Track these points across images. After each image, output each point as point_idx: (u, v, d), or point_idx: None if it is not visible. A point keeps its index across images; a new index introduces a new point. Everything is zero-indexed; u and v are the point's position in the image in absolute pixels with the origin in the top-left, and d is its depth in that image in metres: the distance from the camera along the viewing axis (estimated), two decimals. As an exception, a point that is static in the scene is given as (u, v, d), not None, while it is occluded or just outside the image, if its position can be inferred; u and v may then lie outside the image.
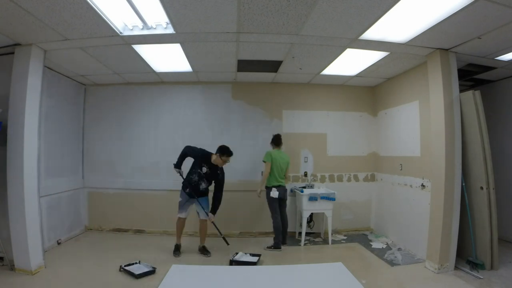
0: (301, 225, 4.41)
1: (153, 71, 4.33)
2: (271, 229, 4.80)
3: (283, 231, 4.20)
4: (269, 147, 4.92)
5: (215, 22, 2.76)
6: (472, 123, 3.35)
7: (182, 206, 3.91)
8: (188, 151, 3.96)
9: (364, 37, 3.04)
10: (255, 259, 3.66)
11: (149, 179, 4.87)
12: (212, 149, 4.87)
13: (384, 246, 4.25)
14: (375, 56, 3.66)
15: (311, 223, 4.71)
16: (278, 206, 4.20)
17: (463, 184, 3.41)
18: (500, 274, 3.17)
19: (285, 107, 4.99)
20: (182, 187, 3.93)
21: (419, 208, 3.82)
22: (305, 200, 4.26)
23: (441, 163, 3.31)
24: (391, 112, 4.64)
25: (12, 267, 3.19)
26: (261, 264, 3.60)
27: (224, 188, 4.79)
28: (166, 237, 4.67)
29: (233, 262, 3.57)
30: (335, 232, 4.72)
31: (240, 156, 4.89)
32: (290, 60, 3.81)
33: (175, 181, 4.80)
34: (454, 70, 3.39)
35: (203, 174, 3.85)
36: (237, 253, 3.78)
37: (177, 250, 3.90)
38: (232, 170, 4.84)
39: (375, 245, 4.30)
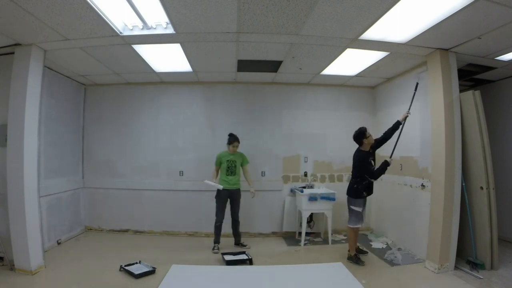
0: (301, 225, 4.41)
1: (153, 71, 4.33)
2: (270, 230, 4.82)
3: None
4: (268, 147, 4.93)
5: (215, 22, 2.76)
6: (472, 123, 3.35)
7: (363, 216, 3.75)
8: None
9: (364, 37, 3.04)
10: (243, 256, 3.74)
11: (149, 179, 4.87)
12: (212, 148, 4.89)
13: (384, 246, 4.25)
14: (375, 56, 3.66)
15: (311, 223, 4.71)
16: None
17: (463, 184, 3.41)
18: (500, 274, 3.17)
19: (285, 107, 4.99)
20: (360, 195, 3.66)
21: (419, 208, 3.82)
22: (305, 200, 4.26)
23: (441, 163, 3.31)
24: (391, 112, 4.63)
25: (12, 267, 3.19)
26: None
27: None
28: (166, 237, 4.67)
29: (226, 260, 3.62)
30: (335, 232, 4.72)
31: (240, 156, 4.90)
32: (290, 60, 3.81)
33: (176, 181, 4.83)
34: (454, 70, 3.39)
35: None
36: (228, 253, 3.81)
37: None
38: (232, 170, 4.86)
39: (375, 245, 4.30)
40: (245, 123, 4.93)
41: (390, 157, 3.61)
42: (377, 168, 3.55)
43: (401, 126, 3.63)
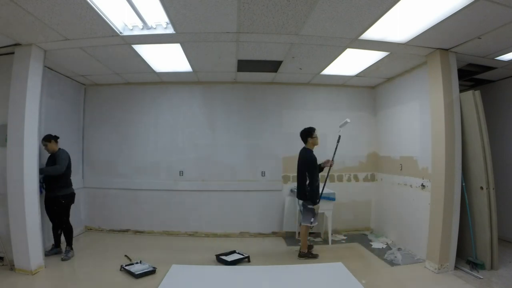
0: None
1: (153, 71, 4.33)
2: (270, 230, 4.82)
3: None
4: (268, 147, 4.93)
5: (215, 22, 2.76)
6: (472, 123, 3.35)
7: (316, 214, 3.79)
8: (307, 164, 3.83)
9: (364, 37, 3.04)
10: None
11: (149, 179, 4.87)
12: (212, 148, 4.89)
13: (384, 246, 4.25)
14: (375, 56, 3.66)
15: (311, 223, 4.71)
16: None
17: (463, 184, 3.41)
18: (500, 274, 3.17)
19: (285, 107, 4.99)
20: (316, 196, 3.77)
21: (419, 208, 3.82)
22: (305, 200, 4.25)
23: (441, 163, 3.31)
24: (391, 112, 4.63)
25: (12, 267, 3.19)
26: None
27: (224, 188, 4.82)
28: (166, 237, 4.67)
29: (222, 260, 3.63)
30: (335, 232, 4.72)
31: (240, 156, 4.90)
32: (290, 60, 3.81)
33: (175, 181, 4.83)
34: (454, 70, 3.39)
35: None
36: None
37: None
38: (232, 171, 4.86)
39: (375, 245, 4.29)
40: (245, 123, 4.93)
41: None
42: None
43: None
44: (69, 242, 3.74)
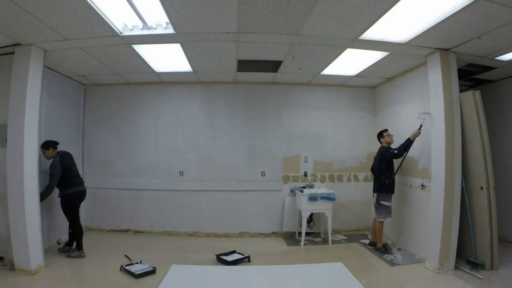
0: (301, 225, 4.40)
1: (153, 71, 4.33)
2: (270, 230, 4.83)
3: None
4: (268, 147, 4.93)
5: (215, 22, 2.76)
6: (472, 123, 3.35)
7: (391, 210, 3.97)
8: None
9: (364, 37, 3.04)
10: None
11: (149, 179, 4.87)
12: (212, 148, 4.90)
13: (384, 246, 4.25)
14: (375, 56, 3.66)
15: (311, 223, 4.71)
16: None
17: (463, 184, 3.41)
18: (500, 274, 3.17)
19: (285, 107, 4.99)
20: (391, 189, 3.96)
21: (419, 208, 3.82)
22: (305, 200, 4.26)
23: (441, 163, 3.31)
24: (391, 112, 4.63)
25: (12, 267, 3.19)
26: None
27: (224, 188, 4.82)
28: (166, 237, 4.67)
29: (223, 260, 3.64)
30: (335, 232, 4.72)
31: (240, 156, 4.90)
32: (290, 60, 3.81)
33: (175, 181, 4.83)
34: (454, 70, 3.39)
35: None
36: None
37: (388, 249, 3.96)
38: (232, 171, 4.86)
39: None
40: (245, 123, 4.93)
41: (419, 128, 3.66)
42: (401, 144, 3.77)
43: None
44: (77, 243, 3.78)
